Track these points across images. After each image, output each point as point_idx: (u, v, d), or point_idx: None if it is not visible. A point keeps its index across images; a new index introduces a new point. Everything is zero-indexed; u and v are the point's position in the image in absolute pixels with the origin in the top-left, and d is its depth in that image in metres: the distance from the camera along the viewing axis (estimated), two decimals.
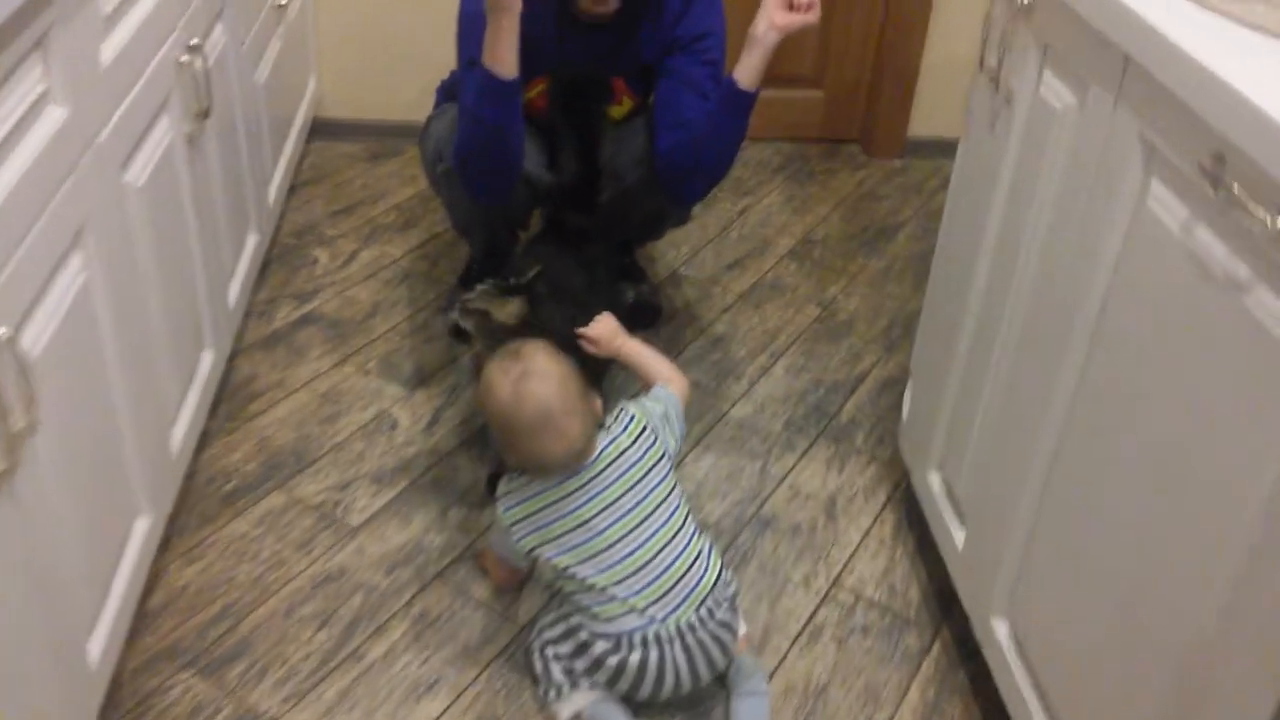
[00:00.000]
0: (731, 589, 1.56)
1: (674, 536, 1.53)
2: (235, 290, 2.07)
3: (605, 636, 1.49)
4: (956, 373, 1.64)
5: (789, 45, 1.89)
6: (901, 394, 2.16)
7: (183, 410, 1.77)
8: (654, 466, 1.55)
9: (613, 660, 1.48)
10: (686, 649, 1.49)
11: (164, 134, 1.63)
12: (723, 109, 1.92)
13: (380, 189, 2.82)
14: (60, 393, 1.25)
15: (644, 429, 1.57)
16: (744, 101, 1.90)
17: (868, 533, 1.89)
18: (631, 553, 1.50)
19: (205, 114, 1.79)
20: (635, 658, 1.48)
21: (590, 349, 1.69)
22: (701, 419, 2.11)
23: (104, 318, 1.40)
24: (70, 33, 1.26)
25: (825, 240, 2.72)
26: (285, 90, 2.56)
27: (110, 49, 1.40)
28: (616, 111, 2.10)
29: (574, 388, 1.50)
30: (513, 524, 1.54)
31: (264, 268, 2.44)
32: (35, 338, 1.20)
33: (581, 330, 1.69)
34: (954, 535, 1.63)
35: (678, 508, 1.55)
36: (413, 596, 1.72)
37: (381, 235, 2.62)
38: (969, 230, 1.61)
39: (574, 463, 1.51)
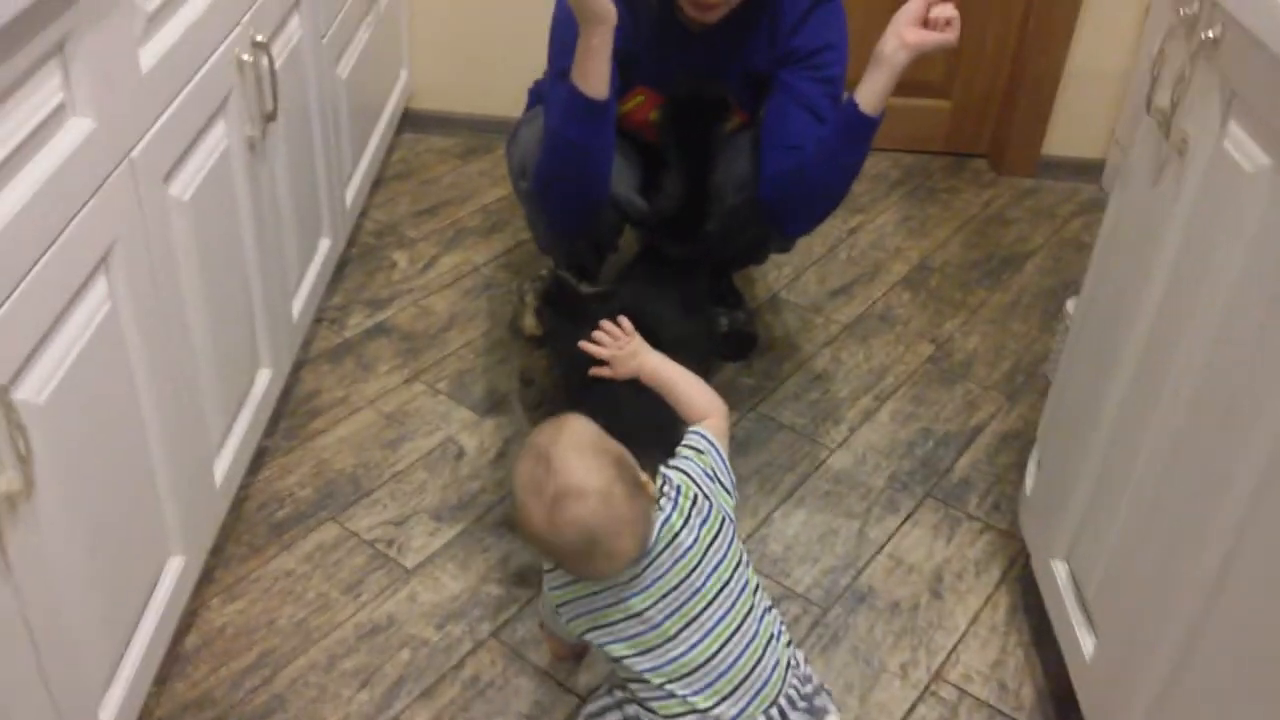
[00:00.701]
0: (810, 686, 1.37)
1: (741, 624, 1.33)
2: (300, 302, 1.94)
3: None
4: (1095, 456, 1.42)
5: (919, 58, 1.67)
6: (1023, 452, 1.94)
7: (230, 437, 1.63)
8: (712, 543, 1.33)
9: None
10: None
11: (219, 140, 1.49)
12: (839, 135, 1.72)
13: (468, 188, 2.67)
14: (71, 439, 1.11)
15: (694, 501, 1.34)
16: (864, 128, 1.69)
17: (977, 616, 1.68)
18: (693, 647, 1.30)
19: (271, 116, 1.65)
20: None
21: (604, 372, 1.51)
22: (794, 468, 1.92)
23: (134, 348, 1.26)
24: (99, 37, 1.11)
25: (944, 268, 2.49)
26: (373, 83, 2.42)
27: (152, 52, 1.26)
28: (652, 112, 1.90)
29: (621, 493, 1.23)
30: (560, 605, 1.36)
31: (341, 268, 2.31)
32: (43, 380, 1.06)
33: (586, 345, 1.50)
34: (1081, 641, 1.41)
35: (745, 586, 1.35)
36: (464, 657, 1.56)
37: (465, 239, 2.47)
38: (1120, 295, 1.38)
39: (625, 570, 1.31)
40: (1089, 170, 2.85)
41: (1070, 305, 2.09)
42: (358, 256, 2.36)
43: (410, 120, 2.85)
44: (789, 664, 1.35)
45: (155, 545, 1.39)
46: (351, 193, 2.28)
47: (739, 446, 1.93)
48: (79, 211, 1.10)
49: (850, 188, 1.80)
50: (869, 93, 1.67)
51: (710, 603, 1.31)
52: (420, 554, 1.72)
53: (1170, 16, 1.26)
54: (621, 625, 1.31)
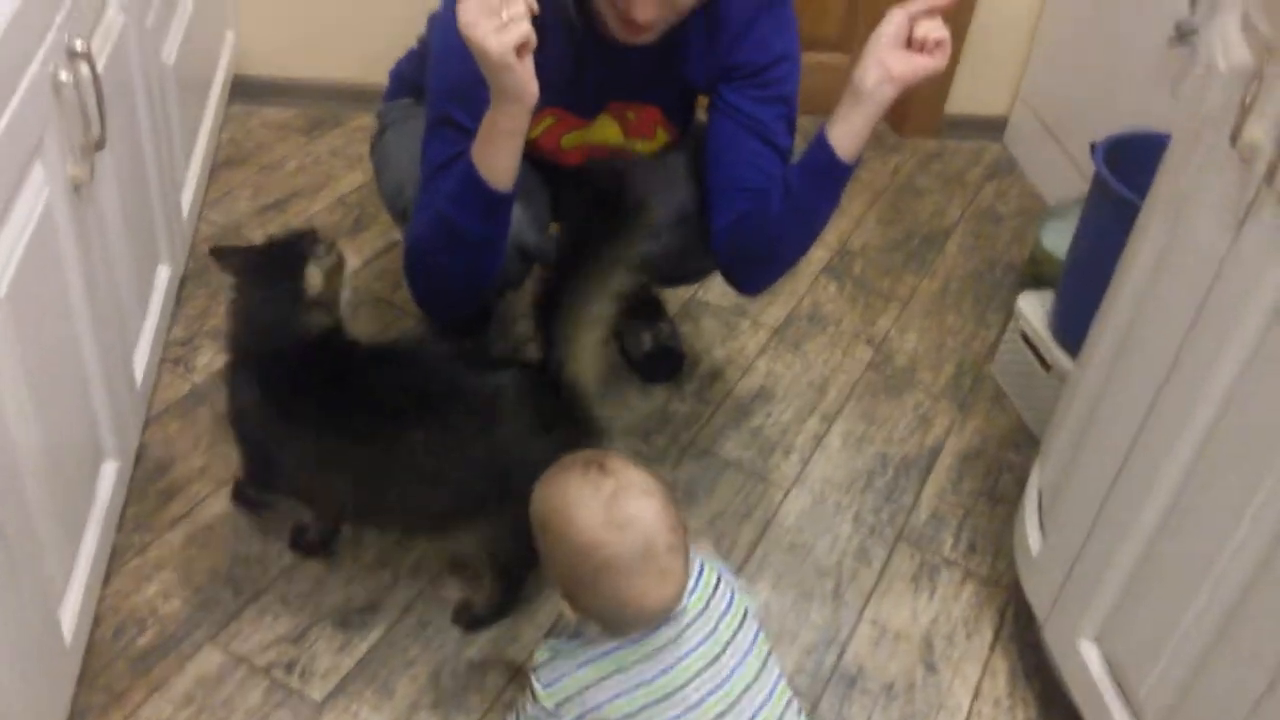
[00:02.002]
0: None
1: (782, 715, 1.16)
2: (143, 358, 1.56)
3: None
4: (1136, 540, 1.23)
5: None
6: (987, 477, 1.77)
7: (74, 575, 1.27)
8: (741, 625, 1.17)
9: None
10: None
11: (36, 195, 1.10)
12: (809, 184, 1.45)
13: (319, 174, 2.27)
14: None
15: (718, 581, 1.19)
16: (839, 175, 1.43)
17: (978, 690, 1.49)
18: None
19: (99, 145, 1.26)
20: None
21: None
22: (750, 516, 1.68)
23: None
24: None
25: (865, 251, 2.27)
26: (199, 58, 1.99)
27: None
28: (644, 146, 1.60)
29: (675, 510, 1.12)
30: (561, 702, 1.13)
31: (179, 287, 1.91)
32: None
33: None
34: None
35: (779, 679, 1.18)
36: None
37: None
38: (1176, 362, 1.16)
39: (668, 613, 1.12)
40: (993, 128, 2.67)
41: (1022, 303, 1.91)
42: (195, 273, 1.95)
43: (241, 89, 2.41)
44: None
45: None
46: (187, 199, 1.87)
47: (685, 494, 1.68)
48: None
49: (816, 239, 1.56)
50: (845, 134, 1.40)
51: (750, 685, 1.14)
52: (330, 679, 1.40)
53: (1272, 32, 1.04)
54: (655, 710, 1.11)
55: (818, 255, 2.24)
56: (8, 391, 1.04)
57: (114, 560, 1.49)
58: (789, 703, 1.17)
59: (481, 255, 1.38)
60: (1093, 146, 1.75)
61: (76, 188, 1.22)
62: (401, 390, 1.30)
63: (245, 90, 2.41)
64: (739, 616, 1.18)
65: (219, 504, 1.58)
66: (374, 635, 1.46)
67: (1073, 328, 1.78)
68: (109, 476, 1.39)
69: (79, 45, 1.18)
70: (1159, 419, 1.20)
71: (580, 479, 1.11)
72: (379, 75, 1.76)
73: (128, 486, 1.53)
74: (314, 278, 1.30)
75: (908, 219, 2.39)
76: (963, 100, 2.64)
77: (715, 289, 2.12)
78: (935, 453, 1.83)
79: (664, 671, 1.12)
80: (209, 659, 1.40)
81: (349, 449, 1.31)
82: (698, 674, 1.12)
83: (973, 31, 2.53)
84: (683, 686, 1.11)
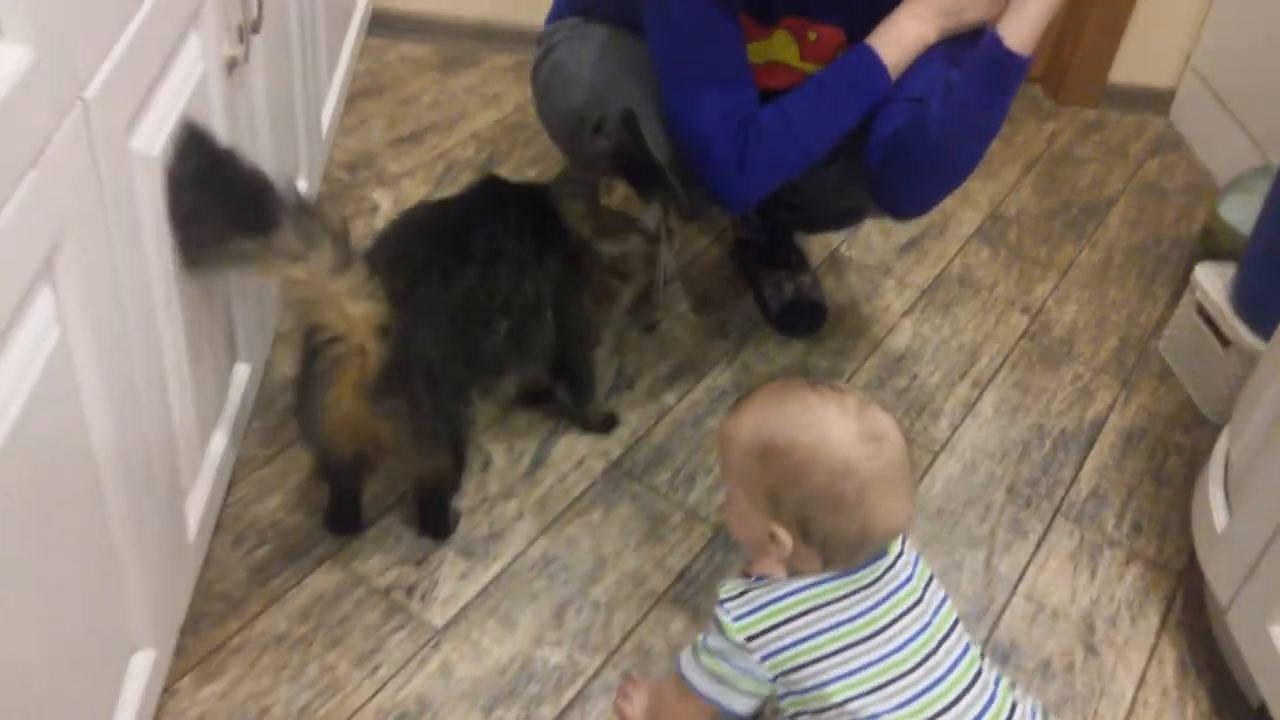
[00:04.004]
0: None
1: (977, 676, 1.04)
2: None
3: None
4: None
5: None
6: (1153, 457, 1.64)
7: (203, 469, 1.22)
8: (931, 582, 1.08)
9: None
10: None
11: (191, 66, 1.05)
12: (977, 79, 1.33)
13: (455, 110, 2.21)
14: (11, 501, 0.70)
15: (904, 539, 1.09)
16: (1011, 70, 1.31)
17: (1143, 678, 1.36)
18: (936, 683, 1.02)
19: (255, 27, 1.20)
20: None
21: None
22: None
23: (87, 385, 0.84)
24: None
25: (1019, 219, 2.14)
26: None
27: None
28: (781, 49, 1.50)
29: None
30: (754, 636, 1.02)
31: None
32: None
33: None
34: None
35: (970, 646, 1.07)
36: None
37: (459, 175, 2.03)
38: None
39: (900, 533, 1.07)
40: (1158, 102, 2.51)
41: (1199, 274, 1.76)
42: (329, 197, 1.91)
43: (379, 23, 2.37)
44: None
45: (119, 639, 0.99)
46: (326, 117, 1.83)
47: None
48: (14, 193, 0.67)
49: (984, 153, 1.43)
50: (1018, 24, 1.29)
51: (945, 637, 1.04)
52: (451, 606, 1.33)
53: None
54: (853, 652, 1.01)
55: (968, 218, 2.11)
56: (156, 271, 0.99)
57: (238, 469, 1.44)
58: (985, 670, 1.06)
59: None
60: None
61: (230, 67, 1.16)
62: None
63: (383, 24, 2.37)
64: (927, 573, 1.09)
65: None
66: (497, 566, 1.38)
67: (1260, 302, 1.64)
68: (239, 383, 1.34)
69: None
70: None
71: (819, 398, 1.02)
72: (516, 14, 1.68)
73: (256, 394, 1.49)
74: None
75: (1065, 188, 2.25)
76: (1127, 69, 2.48)
77: (859, 243, 2.01)
78: (1096, 428, 1.70)
79: (868, 611, 1.02)
80: (328, 576, 1.34)
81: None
82: (899, 617, 1.03)
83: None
84: (885, 628, 1.02)
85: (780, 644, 1.02)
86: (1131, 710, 1.33)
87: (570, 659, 1.29)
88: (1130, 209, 2.21)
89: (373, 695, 1.23)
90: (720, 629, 1.04)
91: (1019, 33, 1.29)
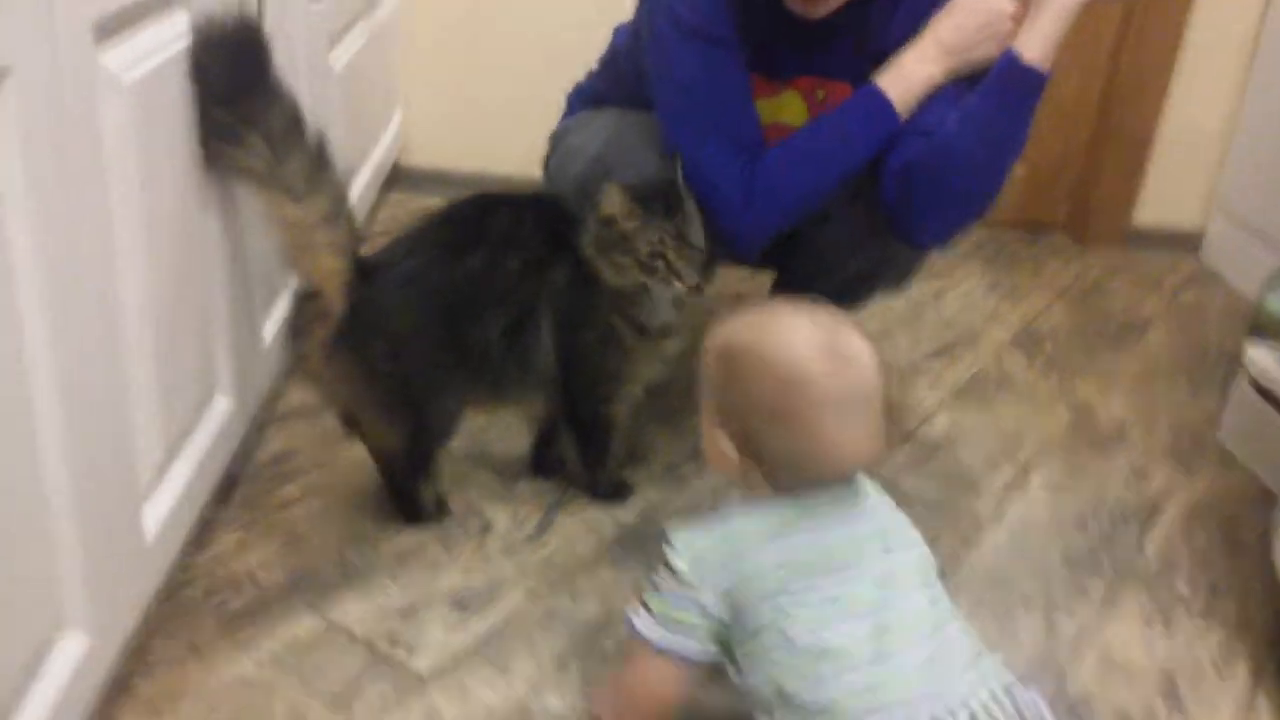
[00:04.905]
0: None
1: (948, 620, 0.95)
2: (272, 327, 1.45)
3: None
4: None
5: None
6: (1225, 529, 1.49)
7: (167, 478, 1.12)
8: (902, 527, 1.00)
9: None
10: None
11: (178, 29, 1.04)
12: (993, 95, 1.31)
13: None
14: None
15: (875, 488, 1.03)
16: (1028, 84, 1.29)
17: None
18: (901, 616, 0.92)
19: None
20: None
21: None
22: (936, 546, 1.41)
23: (29, 310, 0.78)
24: None
25: (1054, 334, 2.06)
26: (364, 109, 2.00)
27: None
28: (790, 110, 1.49)
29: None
30: (702, 571, 0.94)
31: None
32: None
33: None
34: None
35: (943, 597, 0.98)
36: None
37: None
38: None
39: (856, 470, 0.99)
40: (1185, 243, 2.47)
41: (1252, 351, 1.66)
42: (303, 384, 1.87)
43: (399, 177, 2.42)
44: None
45: (44, 611, 0.87)
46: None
47: None
48: None
49: (1006, 176, 1.38)
50: (1033, 39, 1.29)
51: (915, 586, 0.95)
52: (438, 654, 1.18)
53: None
54: (804, 584, 0.92)
55: (999, 333, 2.03)
56: (120, 212, 0.94)
57: (216, 530, 1.33)
58: (954, 621, 0.96)
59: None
60: None
61: None
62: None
63: (404, 179, 2.42)
64: (902, 525, 1.00)
65: (336, 493, 1.42)
66: (493, 617, 1.24)
67: None
68: (218, 414, 1.26)
69: None
70: None
71: (792, 310, 0.98)
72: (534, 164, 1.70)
73: (234, 463, 1.40)
74: None
75: (1098, 312, 2.18)
76: (1152, 211, 2.46)
77: (887, 348, 1.93)
78: (1157, 505, 1.55)
79: (820, 542, 0.94)
80: (304, 624, 1.21)
81: None
82: (854, 551, 0.94)
83: (1160, 139, 2.39)
84: (837, 559, 0.93)
85: (727, 574, 0.93)
86: None
87: (573, 707, 1.13)
88: (1170, 327, 2.12)
89: None
90: (667, 567, 0.96)
91: (1035, 47, 1.28)
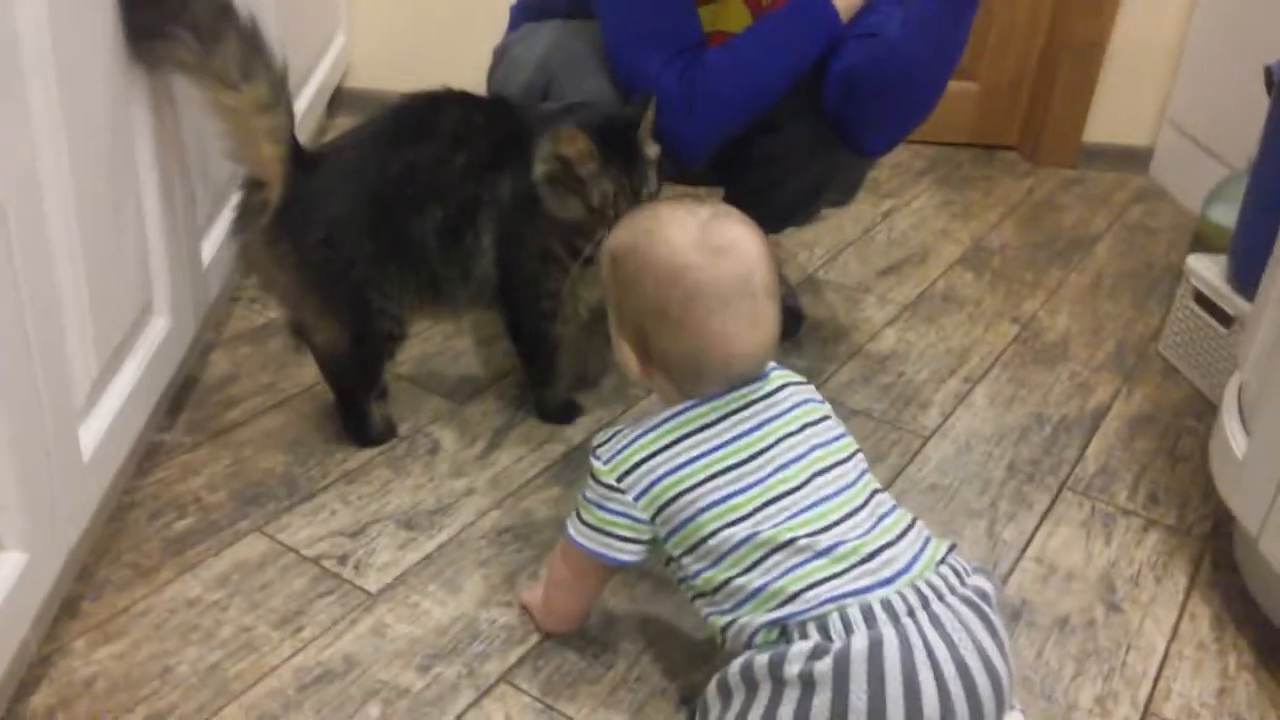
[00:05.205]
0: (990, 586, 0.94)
1: (874, 495, 0.96)
2: (211, 248, 1.43)
3: (799, 625, 0.87)
4: None
5: None
6: (1164, 438, 1.51)
7: (105, 394, 1.11)
8: (824, 419, 0.99)
9: (821, 666, 0.84)
10: (937, 623, 0.86)
11: None
12: None
13: None
14: None
15: (797, 384, 1.01)
16: None
17: (1175, 632, 1.20)
18: (827, 499, 0.92)
19: None
20: (860, 644, 0.84)
21: None
22: (884, 460, 1.44)
23: None
24: None
25: (1003, 250, 2.07)
26: (305, 32, 1.95)
27: None
28: (733, 17, 1.47)
29: (772, 257, 0.97)
30: (624, 475, 0.95)
31: None
32: None
33: None
34: None
35: (866, 473, 0.98)
36: (464, 711, 1.03)
37: None
38: None
39: (756, 370, 0.97)
40: (1136, 159, 2.48)
41: (1192, 262, 1.68)
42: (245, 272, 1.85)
43: (344, 100, 2.37)
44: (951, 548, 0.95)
45: None
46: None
47: None
48: None
49: (949, 77, 1.38)
50: None
51: (837, 464, 0.95)
52: (388, 573, 1.19)
53: None
54: (733, 474, 0.92)
55: (949, 249, 2.04)
56: (39, 96, 0.92)
57: (160, 455, 1.32)
58: (884, 495, 0.97)
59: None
60: (1268, 70, 1.56)
61: None
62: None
63: (349, 102, 2.38)
64: (820, 412, 1.00)
65: (283, 415, 1.42)
66: (443, 535, 1.24)
67: (1256, 267, 1.55)
68: (156, 332, 1.24)
69: None
70: None
71: (671, 205, 0.97)
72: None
73: (177, 391, 1.39)
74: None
75: (1048, 226, 2.19)
76: (1102, 129, 2.47)
77: (836, 268, 1.94)
78: (1099, 415, 1.58)
79: (738, 438, 0.94)
80: (251, 546, 1.20)
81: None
82: (774, 444, 0.94)
83: (1110, 57, 2.39)
84: (758, 454, 0.93)
85: (650, 479, 0.94)
86: (1165, 660, 1.16)
87: (522, 619, 1.14)
88: (1117, 242, 2.14)
89: (293, 655, 1.07)
90: (593, 475, 0.97)
91: None
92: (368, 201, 1.22)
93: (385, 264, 1.24)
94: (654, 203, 1.02)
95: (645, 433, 0.96)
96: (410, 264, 1.25)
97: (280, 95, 1.15)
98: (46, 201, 0.94)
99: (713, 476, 0.92)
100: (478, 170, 1.27)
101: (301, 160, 1.21)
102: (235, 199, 1.25)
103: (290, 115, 1.18)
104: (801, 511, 0.90)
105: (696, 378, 0.95)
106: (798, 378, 1.02)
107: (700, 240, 0.92)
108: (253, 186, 1.22)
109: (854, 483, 0.94)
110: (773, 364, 1.00)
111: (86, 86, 1.01)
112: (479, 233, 1.28)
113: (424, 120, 1.27)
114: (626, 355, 0.99)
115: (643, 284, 0.94)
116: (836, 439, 0.98)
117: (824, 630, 0.86)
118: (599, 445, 0.98)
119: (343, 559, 1.20)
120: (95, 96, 1.04)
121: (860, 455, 0.99)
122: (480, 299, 1.33)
